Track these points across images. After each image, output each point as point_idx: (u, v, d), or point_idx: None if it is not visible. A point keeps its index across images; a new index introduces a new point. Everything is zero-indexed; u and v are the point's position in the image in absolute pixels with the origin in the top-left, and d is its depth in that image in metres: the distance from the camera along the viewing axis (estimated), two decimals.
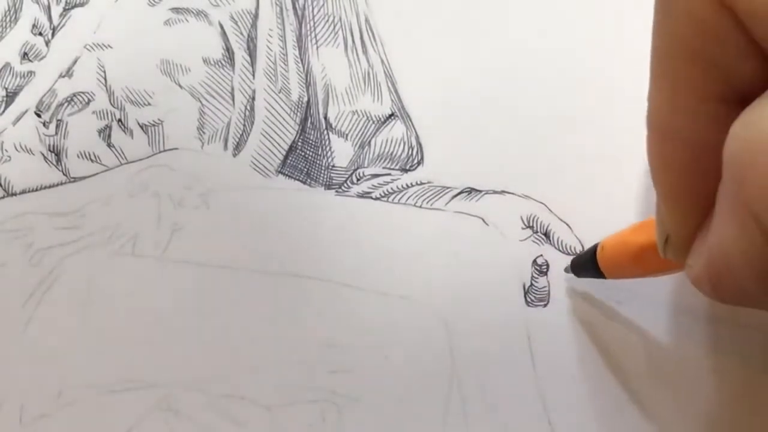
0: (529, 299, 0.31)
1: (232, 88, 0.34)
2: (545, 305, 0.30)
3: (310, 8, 0.34)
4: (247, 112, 0.33)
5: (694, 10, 0.18)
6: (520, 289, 0.31)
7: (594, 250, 0.28)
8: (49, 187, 0.33)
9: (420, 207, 0.32)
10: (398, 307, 0.31)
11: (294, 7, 0.34)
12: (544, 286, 0.31)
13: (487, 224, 0.31)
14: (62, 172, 0.33)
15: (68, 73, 0.34)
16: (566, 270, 0.30)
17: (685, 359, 0.30)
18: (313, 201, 0.32)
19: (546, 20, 0.34)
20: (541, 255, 0.31)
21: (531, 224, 0.31)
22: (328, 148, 0.33)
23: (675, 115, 0.20)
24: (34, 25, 0.34)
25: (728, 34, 0.18)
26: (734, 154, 0.18)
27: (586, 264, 0.29)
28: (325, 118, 0.33)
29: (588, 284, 0.30)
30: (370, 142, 0.33)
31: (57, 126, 0.33)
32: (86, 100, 0.33)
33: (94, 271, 0.31)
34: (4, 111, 0.33)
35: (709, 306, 0.30)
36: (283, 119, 0.33)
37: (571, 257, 0.30)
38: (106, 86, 0.33)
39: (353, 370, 0.30)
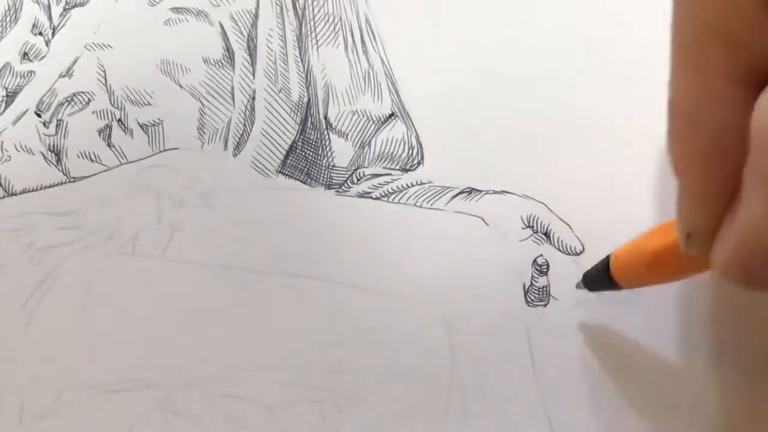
0: (529, 299, 0.31)
1: (232, 88, 0.34)
2: (545, 305, 0.30)
3: (311, 8, 0.34)
4: (248, 112, 0.33)
5: None
6: (520, 289, 0.31)
7: (606, 262, 0.28)
8: (49, 187, 0.33)
9: (420, 207, 0.32)
10: (398, 306, 0.31)
11: (294, 7, 0.34)
12: (544, 286, 0.31)
13: (487, 224, 0.31)
14: (62, 172, 0.33)
15: (68, 72, 0.34)
16: (578, 286, 0.30)
17: (682, 363, 0.30)
18: (313, 201, 0.32)
19: (546, 20, 0.34)
20: (541, 255, 0.31)
21: (531, 224, 0.31)
22: (328, 148, 0.33)
23: (700, 99, 0.19)
24: (34, 25, 0.34)
25: (756, 13, 0.18)
26: (763, 128, 0.17)
27: (599, 276, 0.28)
28: (326, 118, 0.33)
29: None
30: (370, 142, 0.33)
31: (57, 126, 0.33)
32: (86, 99, 0.33)
33: (94, 271, 0.31)
34: (4, 111, 0.33)
35: (709, 312, 0.30)
36: (283, 119, 0.33)
37: (583, 271, 0.30)
38: (106, 86, 0.33)
39: (353, 370, 0.30)
